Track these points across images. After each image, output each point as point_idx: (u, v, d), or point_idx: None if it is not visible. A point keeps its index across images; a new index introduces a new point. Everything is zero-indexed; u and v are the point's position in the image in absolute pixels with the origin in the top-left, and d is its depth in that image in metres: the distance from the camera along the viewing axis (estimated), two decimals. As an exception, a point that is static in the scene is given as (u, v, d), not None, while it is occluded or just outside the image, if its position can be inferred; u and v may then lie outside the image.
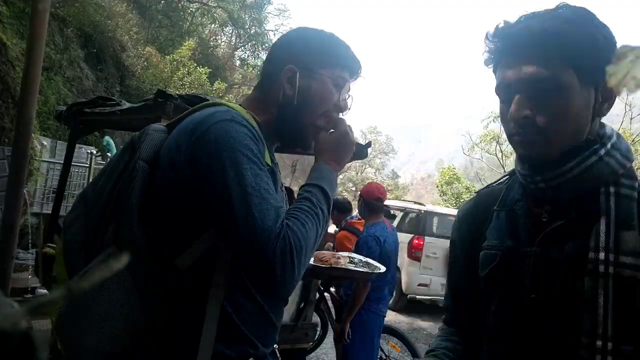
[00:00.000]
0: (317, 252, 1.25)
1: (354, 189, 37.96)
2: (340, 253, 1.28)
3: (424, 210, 9.16)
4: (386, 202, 4.00)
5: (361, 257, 1.32)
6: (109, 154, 10.18)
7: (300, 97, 1.12)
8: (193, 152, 0.94)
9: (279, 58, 1.16)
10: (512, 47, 0.86)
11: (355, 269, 1.24)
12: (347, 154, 1.16)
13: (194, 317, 0.95)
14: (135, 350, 0.97)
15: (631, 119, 19.10)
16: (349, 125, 1.16)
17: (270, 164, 1.06)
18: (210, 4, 24.00)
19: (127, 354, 0.97)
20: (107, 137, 10.75)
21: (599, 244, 0.80)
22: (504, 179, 1.07)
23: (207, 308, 0.95)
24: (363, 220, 4.13)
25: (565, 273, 0.84)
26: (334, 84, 1.14)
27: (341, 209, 4.26)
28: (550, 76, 0.82)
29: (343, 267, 1.20)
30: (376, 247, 3.43)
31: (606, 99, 0.86)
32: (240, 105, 1.15)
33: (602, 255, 0.79)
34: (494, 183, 1.11)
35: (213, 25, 26.70)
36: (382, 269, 1.24)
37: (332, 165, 1.13)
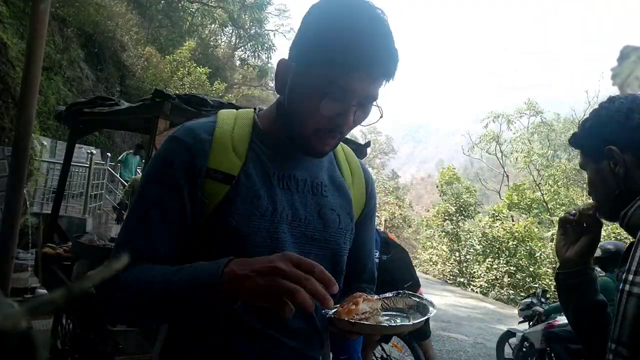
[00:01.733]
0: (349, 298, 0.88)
1: (354, 189, 37.84)
2: (369, 297, 0.89)
3: None
4: None
5: (403, 298, 0.95)
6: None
7: (289, 100, 0.93)
8: None
9: (291, 45, 0.94)
10: None
11: (390, 324, 0.88)
12: (250, 285, 0.72)
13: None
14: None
15: (631, 119, 19.06)
16: (277, 275, 0.71)
17: (232, 172, 0.92)
18: (210, 4, 23.98)
19: None
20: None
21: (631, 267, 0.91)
22: None
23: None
24: None
25: None
26: (321, 89, 0.85)
27: None
28: None
29: (372, 323, 0.84)
30: (376, 236, 3.53)
31: None
32: (256, 109, 1.05)
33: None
34: None
35: (213, 25, 26.66)
36: (432, 312, 0.90)
37: (228, 272, 0.75)
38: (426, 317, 0.89)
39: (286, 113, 0.94)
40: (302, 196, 0.98)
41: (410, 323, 0.87)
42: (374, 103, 0.91)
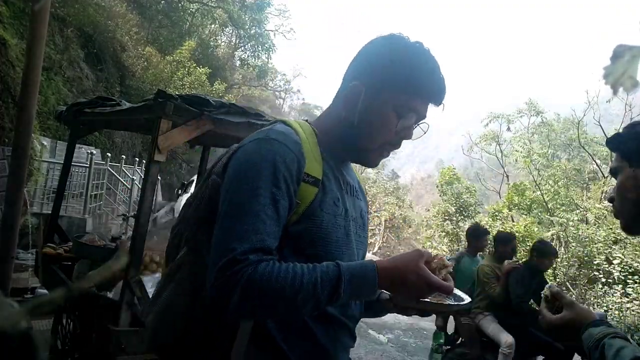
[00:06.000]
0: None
1: (354, 189, 37.71)
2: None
3: None
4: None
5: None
6: None
7: (361, 118, 1.08)
8: (226, 166, 1.04)
9: (352, 70, 1.12)
10: None
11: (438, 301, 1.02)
12: (404, 285, 0.94)
13: (230, 326, 0.98)
14: (181, 345, 1.04)
15: (631, 119, 19.09)
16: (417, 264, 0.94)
17: (318, 176, 1.04)
18: (210, 4, 23.97)
19: (176, 348, 1.05)
20: None
21: None
22: None
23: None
24: None
25: None
26: (396, 110, 1.06)
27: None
28: None
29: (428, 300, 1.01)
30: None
31: None
32: (307, 120, 1.17)
33: None
34: None
35: (213, 25, 26.67)
36: (466, 300, 1.08)
37: (382, 277, 0.94)
38: (469, 301, 1.06)
39: (356, 129, 1.09)
40: (352, 199, 1.17)
41: (463, 303, 1.05)
42: (423, 121, 1.13)
